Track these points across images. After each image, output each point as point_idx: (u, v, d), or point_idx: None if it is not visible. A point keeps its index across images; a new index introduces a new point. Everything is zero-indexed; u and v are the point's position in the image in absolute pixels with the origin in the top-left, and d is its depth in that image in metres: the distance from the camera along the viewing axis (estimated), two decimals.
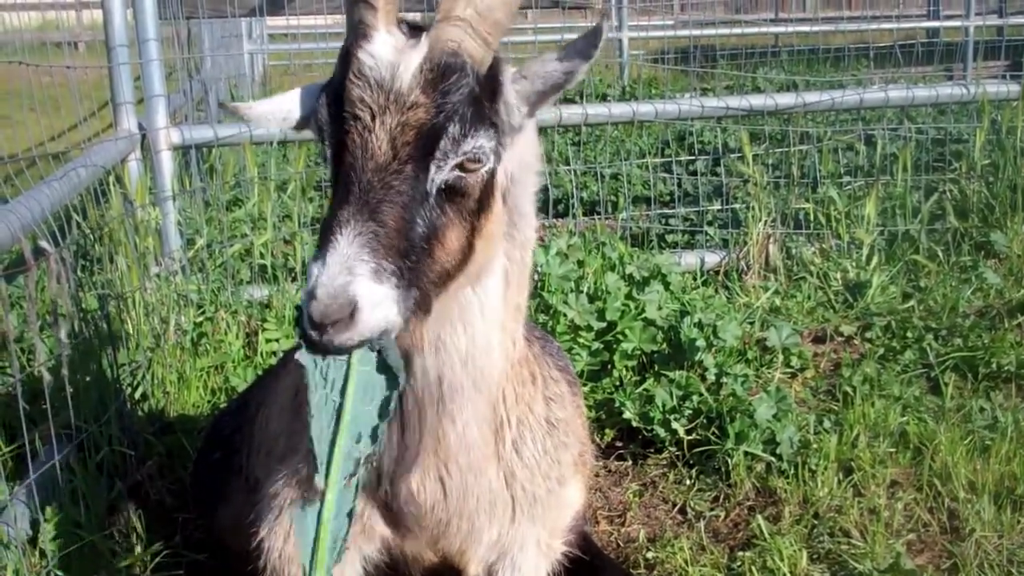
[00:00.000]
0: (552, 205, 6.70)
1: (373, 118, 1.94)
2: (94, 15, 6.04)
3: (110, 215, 4.50)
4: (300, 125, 2.21)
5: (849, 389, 4.47)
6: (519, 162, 2.21)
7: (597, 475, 4.01)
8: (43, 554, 3.20)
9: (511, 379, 2.42)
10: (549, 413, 2.58)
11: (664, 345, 4.47)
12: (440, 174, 1.97)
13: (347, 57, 2.00)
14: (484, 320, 2.24)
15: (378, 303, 1.84)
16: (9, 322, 3.39)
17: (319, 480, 1.98)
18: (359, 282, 1.82)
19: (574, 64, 2.12)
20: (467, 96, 1.98)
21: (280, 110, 2.22)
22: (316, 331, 1.83)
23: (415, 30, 2.03)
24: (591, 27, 2.11)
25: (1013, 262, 5.83)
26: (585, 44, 2.09)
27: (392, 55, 1.96)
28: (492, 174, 2.08)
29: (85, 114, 4.91)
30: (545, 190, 6.90)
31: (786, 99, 6.30)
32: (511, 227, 2.24)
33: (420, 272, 1.94)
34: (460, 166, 1.99)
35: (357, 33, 2.00)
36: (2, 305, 3.29)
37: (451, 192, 1.99)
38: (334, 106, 2.00)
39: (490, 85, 2.04)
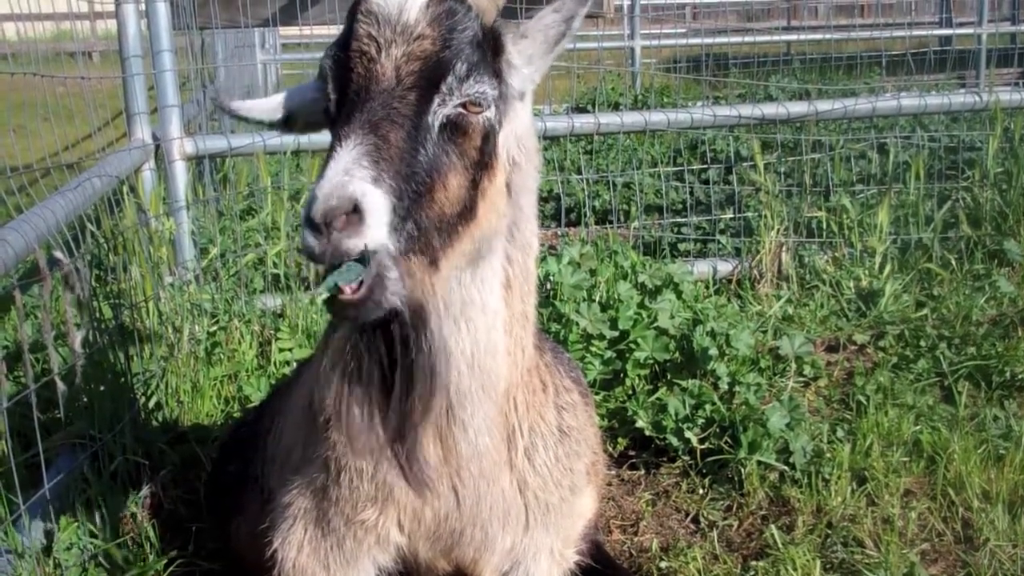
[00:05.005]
0: (564, 214, 6.70)
1: (379, 51, 1.97)
2: (108, 26, 6.07)
3: (124, 225, 4.52)
4: (285, 120, 2.30)
5: (862, 398, 4.47)
6: (519, 144, 2.21)
7: (610, 484, 4.01)
8: (57, 564, 3.22)
9: (521, 387, 2.41)
10: (561, 421, 2.57)
11: (677, 354, 4.46)
12: (443, 108, 1.98)
13: (355, 7, 2.04)
14: (486, 318, 2.23)
15: (380, 208, 1.81)
16: (24, 331, 3.41)
17: None
18: (358, 182, 1.79)
19: (571, 9, 2.16)
20: (471, 39, 2.02)
21: (269, 106, 2.31)
22: (319, 236, 1.76)
23: None
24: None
25: None
26: None
27: None
28: (494, 130, 2.09)
29: (99, 124, 4.93)
30: (557, 199, 6.92)
31: (798, 107, 6.29)
32: (513, 226, 2.24)
33: (419, 206, 1.91)
34: (463, 106, 2.01)
35: None
36: (18, 314, 3.31)
37: (454, 131, 2.00)
38: (341, 51, 2.03)
39: (493, 41, 2.08)
